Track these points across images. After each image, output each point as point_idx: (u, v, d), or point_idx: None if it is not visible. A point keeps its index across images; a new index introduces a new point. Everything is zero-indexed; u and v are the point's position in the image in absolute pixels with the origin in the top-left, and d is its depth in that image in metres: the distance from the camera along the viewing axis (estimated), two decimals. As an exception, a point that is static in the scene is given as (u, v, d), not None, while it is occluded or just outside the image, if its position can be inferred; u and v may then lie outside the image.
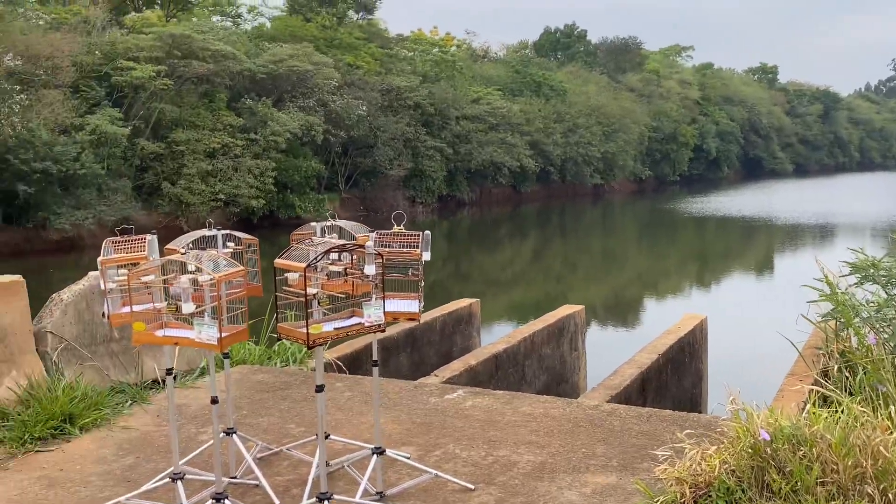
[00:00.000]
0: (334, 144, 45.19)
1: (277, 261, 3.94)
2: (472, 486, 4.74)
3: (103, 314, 4.31)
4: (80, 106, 35.46)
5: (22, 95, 32.21)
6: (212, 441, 4.81)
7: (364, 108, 45.25)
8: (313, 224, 4.79)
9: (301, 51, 43.27)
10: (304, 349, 7.96)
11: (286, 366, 7.60)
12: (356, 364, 8.11)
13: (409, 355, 9.46)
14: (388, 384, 6.82)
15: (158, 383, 6.70)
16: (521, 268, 33.90)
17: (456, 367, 8.11)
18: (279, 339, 7.76)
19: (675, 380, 8.75)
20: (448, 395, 6.52)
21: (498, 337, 9.70)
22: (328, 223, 4.78)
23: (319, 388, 4.08)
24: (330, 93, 43.78)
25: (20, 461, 5.26)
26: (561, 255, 37.63)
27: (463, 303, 10.71)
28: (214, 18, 52.28)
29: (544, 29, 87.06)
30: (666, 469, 4.45)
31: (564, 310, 10.64)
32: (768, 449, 3.96)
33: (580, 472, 4.92)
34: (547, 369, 9.93)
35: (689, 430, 4.88)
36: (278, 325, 3.94)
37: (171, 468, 4.49)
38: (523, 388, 8.87)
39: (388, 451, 4.85)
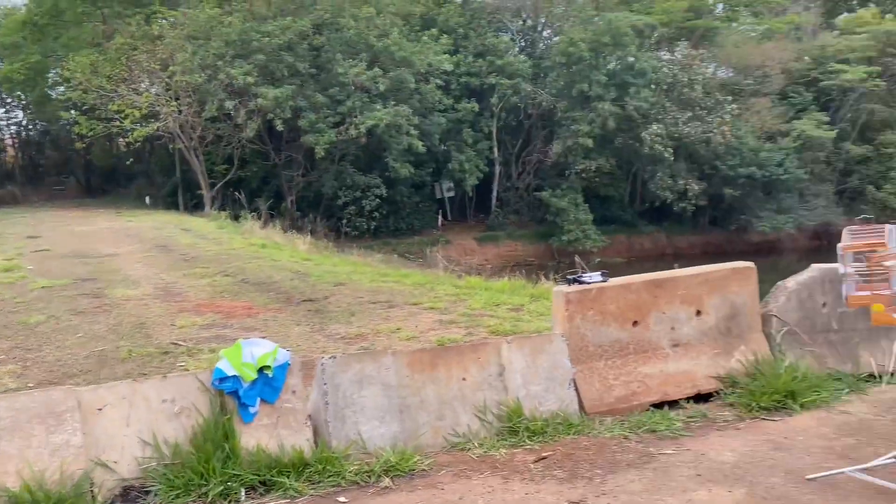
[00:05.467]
0: None
1: None
2: None
3: (844, 297, 4.70)
4: (786, 112, 36.37)
5: (733, 105, 34.43)
6: (937, 434, 4.83)
7: None
8: None
9: None
10: None
11: None
12: None
13: None
14: None
15: (874, 377, 6.83)
16: None
17: None
18: None
19: None
20: None
21: None
22: None
23: None
24: None
25: (748, 424, 5.98)
26: None
27: None
28: (936, 9, 47.96)
29: None
30: None
31: None
32: None
33: None
34: None
35: None
36: None
37: None
38: None
39: None
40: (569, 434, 5.76)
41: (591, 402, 6.16)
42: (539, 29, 38.52)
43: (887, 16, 43.55)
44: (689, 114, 33.38)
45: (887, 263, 4.23)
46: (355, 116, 28.85)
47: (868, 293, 4.36)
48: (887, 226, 4.64)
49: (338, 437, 5.38)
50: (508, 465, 5.32)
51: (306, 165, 31.72)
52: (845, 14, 47.13)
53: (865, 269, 4.41)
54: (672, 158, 32.86)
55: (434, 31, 32.69)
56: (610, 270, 7.02)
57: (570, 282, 6.43)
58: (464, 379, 5.86)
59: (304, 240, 22.07)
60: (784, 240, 34.97)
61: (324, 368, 5.49)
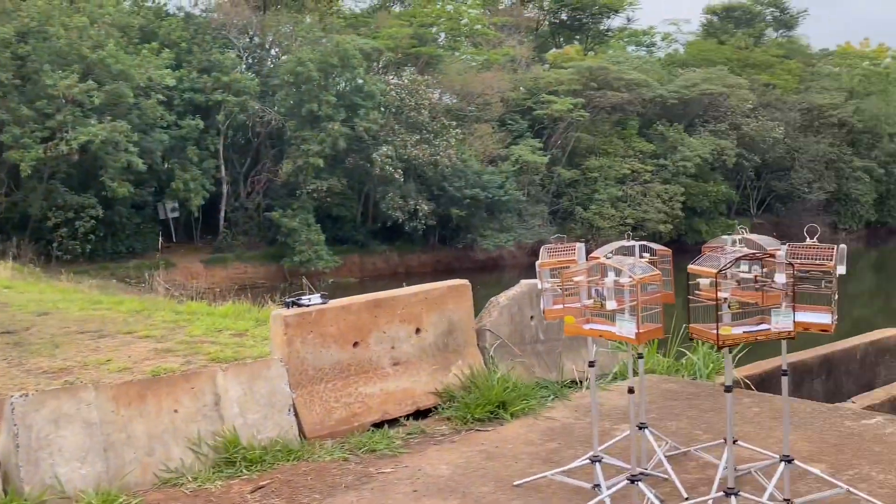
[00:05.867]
0: (746, 168, 43.83)
1: (690, 266, 4.29)
2: (889, 508, 4.62)
3: (542, 311, 5.01)
4: (505, 138, 38.84)
5: (458, 130, 36.20)
6: (625, 433, 5.28)
7: (781, 129, 43.25)
8: (724, 237, 5.05)
9: (714, 74, 42.79)
10: (711, 366, 8.16)
11: (693, 378, 7.85)
12: (765, 385, 8.06)
13: (824, 382, 9.10)
14: (800, 404, 6.76)
15: (576, 383, 7.37)
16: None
17: (878, 395, 7.71)
18: (687, 352, 8.04)
19: None
20: (866, 419, 6.29)
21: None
22: (739, 236, 5.01)
23: (728, 389, 4.34)
24: (743, 115, 42.62)
25: (463, 436, 6.20)
26: None
27: (889, 332, 10.00)
28: (629, 49, 53.74)
29: None
30: None
31: None
32: None
33: None
34: None
35: None
36: (690, 325, 4.29)
37: (591, 452, 5.04)
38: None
39: (797, 462, 4.91)
40: (288, 461, 5.65)
41: (312, 426, 6.08)
42: (267, 47, 38.14)
43: (590, 53, 48.06)
44: (417, 136, 34.59)
45: (577, 279, 4.56)
46: (66, 131, 26.80)
47: (561, 306, 4.68)
48: (577, 244, 5.03)
49: (31, 482, 4.91)
50: (224, 497, 5.12)
51: (10, 184, 28.94)
52: (554, 50, 51.40)
53: (559, 284, 4.73)
54: (402, 179, 33.83)
55: (155, 44, 31.25)
56: (343, 291, 7.02)
57: (289, 305, 6.33)
58: (176, 411, 5.56)
59: (5, 265, 20.07)
60: (506, 257, 37.18)
61: (13, 408, 4.98)
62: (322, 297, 6.41)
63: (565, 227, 39.19)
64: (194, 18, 35.48)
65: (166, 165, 31.23)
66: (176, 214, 33.66)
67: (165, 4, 36.67)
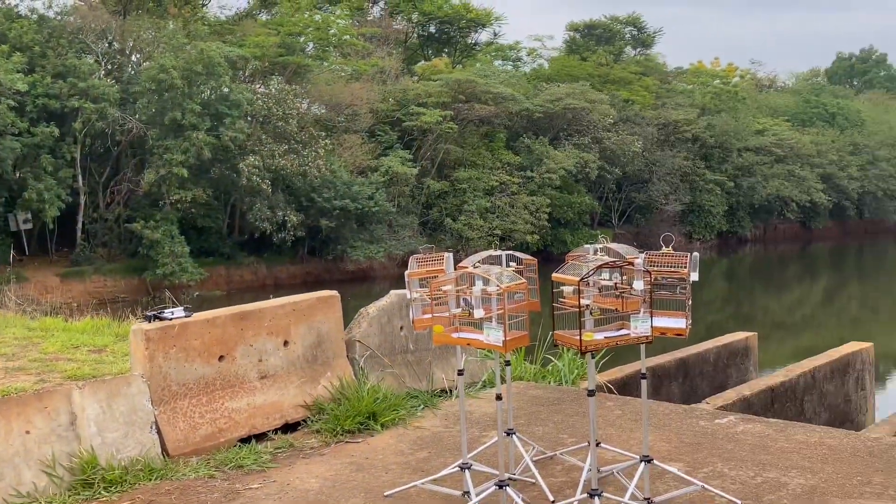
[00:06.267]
0: (608, 180, 45.50)
1: (554, 275, 4.42)
2: (739, 502, 4.88)
3: (411, 321, 5.03)
4: (375, 149, 38.84)
5: (327, 140, 35.93)
6: (493, 440, 5.36)
7: (639, 143, 45.16)
8: (587, 246, 5.23)
9: (577, 89, 44.22)
10: (576, 371, 8.40)
11: (559, 384, 8.06)
12: (626, 389, 8.37)
13: (681, 384, 9.53)
14: (658, 406, 7.05)
15: (446, 392, 7.43)
16: (811, 310, 31.94)
17: (729, 395, 8.12)
18: (553, 358, 8.25)
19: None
20: (719, 419, 6.62)
21: (777, 373, 9.50)
22: (600, 245, 5.19)
23: (591, 393, 4.48)
24: (605, 129, 44.23)
25: (333, 449, 6.14)
26: (859, 298, 34.92)
27: (739, 336, 10.57)
28: (496, 63, 54.84)
29: (837, 55, 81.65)
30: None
31: (850, 346, 10.16)
32: None
33: (852, 497, 4.88)
34: (829, 407, 9.54)
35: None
36: (554, 333, 4.41)
37: (461, 460, 5.09)
38: (801, 423, 8.63)
39: (656, 462, 5.12)
40: (150, 480, 5.44)
41: (176, 443, 5.88)
42: (127, 53, 36.73)
43: (458, 66, 48.75)
44: (286, 147, 34.10)
45: (445, 288, 4.61)
46: None
47: (430, 316, 4.72)
48: (445, 254, 5.08)
49: None
50: (80, 522, 4.87)
51: None
52: (423, 62, 51.86)
53: (428, 294, 4.77)
54: (270, 190, 33.24)
55: (5, 47, 29.56)
56: (209, 304, 6.83)
57: (150, 318, 6.10)
58: (28, 432, 5.26)
59: None
60: (376, 268, 37.10)
61: None
62: (185, 310, 6.22)
63: (435, 237, 39.52)
64: (49, 21, 33.76)
65: (18, 174, 29.52)
66: (29, 226, 31.85)
67: (17, 6, 34.80)
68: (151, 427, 5.77)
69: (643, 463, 4.90)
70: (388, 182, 37.47)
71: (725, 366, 10.19)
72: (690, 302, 4.76)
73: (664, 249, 4.80)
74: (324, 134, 36.30)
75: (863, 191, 57.51)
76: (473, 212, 39.28)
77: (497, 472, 4.92)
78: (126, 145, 33.60)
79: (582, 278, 4.28)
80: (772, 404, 8.52)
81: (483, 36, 54.82)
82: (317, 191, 35.09)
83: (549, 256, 40.45)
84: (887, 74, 78.52)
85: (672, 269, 4.69)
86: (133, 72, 35.81)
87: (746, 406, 8.01)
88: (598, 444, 5.24)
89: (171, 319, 6.08)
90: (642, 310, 4.41)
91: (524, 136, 43.15)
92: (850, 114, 61.58)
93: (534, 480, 5.13)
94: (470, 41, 53.45)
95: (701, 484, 5.00)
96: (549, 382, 8.13)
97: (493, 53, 56.62)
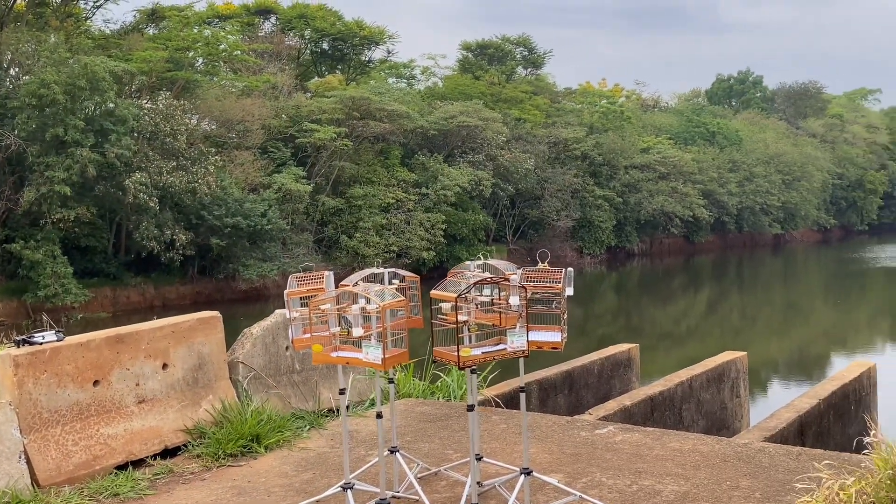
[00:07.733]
0: (502, 197, 46.22)
1: (433, 292, 4.46)
2: (616, 510, 5.02)
3: (291, 340, 4.98)
4: (267, 165, 38.29)
5: (217, 157, 35.20)
6: (377, 459, 5.36)
7: (531, 161, 46.09)
8: (467, 262, 5.30)
9: (471, 107, 44.81)
10: (464, 387, 8.48)
11: (448, 400, 8.12)
12: (513, 402, 8.50)
13: (567, 396, 9.74)
14: (541, 418, 7.18)
15: (333, 411, 7.38)
16: (695, 321, 33.14)
17: (610, 406, 8.35)
18: (443, 374, 8.31)
19: (838, 427, 8.56)
20: (599, 430, 6.80)
21: (659, 384, 9.81)
22: (481, 262, 5.28)
23: (470, 408, 4.54)
24: (498, 147, 44.95)
25: (214, 473, 6.01)
26: (739, 308, 36.48)
27: (621, 347, 10.89)
28: (390, 80, 55.02)
29: (717, 76, 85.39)
30: (805, 501, 4.56)
31: (725, 356, 10.60)
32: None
33: (722, 501, 5.09)
34: (706, 414, 9.92)
35: (827, 462, 4.95)
36: (434, 349, 4.45)
37: (343, 480, 5.06)
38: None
39: (535, 474, 5.22)
40: (18, 513, 5.19)
41: (47, 472, 5.64)
42: (5, 66, 35.15)
43: (352, 83, 48.68)
44: (174, 163, 33.22)
45: (325, 307, 4.60)
46: None
47: (309, 335, 4.69)
48: (325, 272, 5.07)
49: None
50: (-62, 561, 4.60)
51: None
52: (316, 78, 51.55)
53: (308, 312, 4.74)
54: (158, 208, 32.31)
55: None
56: (93, 326, 6.59)
57: (19, 343, 5.84)
58: None
59: None
60: (270, 286, 36.47)
61: None
62: (57, 333, 5.98)
63: (331, 255, 39.24)
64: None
65: None
66: None
67: None
68: (20, 457, 5.51)
69: (523, 475, 4.99)
70: (281, 199, 37.00)
71: (609, 377, 10.48)
72: (566, 316, 4.88)
73: (540, 265, 4.92)
74: (214, 150, 35.55)
75: (741, 206, 60.27)
76: (369, 229, 39.20)
77: (379, 491, 4.92)
78: (3, 162, 32.08)
79: (459, 294, 4.34)
80: (651, 413, 8.80)
81: (377, 54, 54.99)
82: (207, 208, 34.31)
83: (444, 272, 40.41)
84: (763, 95, 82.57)
85: (548, 285, 4.81)
86: (11, 86, 34.28)
87: (627, 416, 8.25)
88: (480, 459, 5.30)
89: (41, 344, 5.84)
90: (519, 325, 4.50)
91: (419, 153, 43.41)
92: (728, 133, 64.51)
93: (417, 497, 5.14)
94: (364, 58, 53.47)
95: (579, 494, 5.12)
96: (438, 398, 8.18)
97: (387, 71, 56.81)
